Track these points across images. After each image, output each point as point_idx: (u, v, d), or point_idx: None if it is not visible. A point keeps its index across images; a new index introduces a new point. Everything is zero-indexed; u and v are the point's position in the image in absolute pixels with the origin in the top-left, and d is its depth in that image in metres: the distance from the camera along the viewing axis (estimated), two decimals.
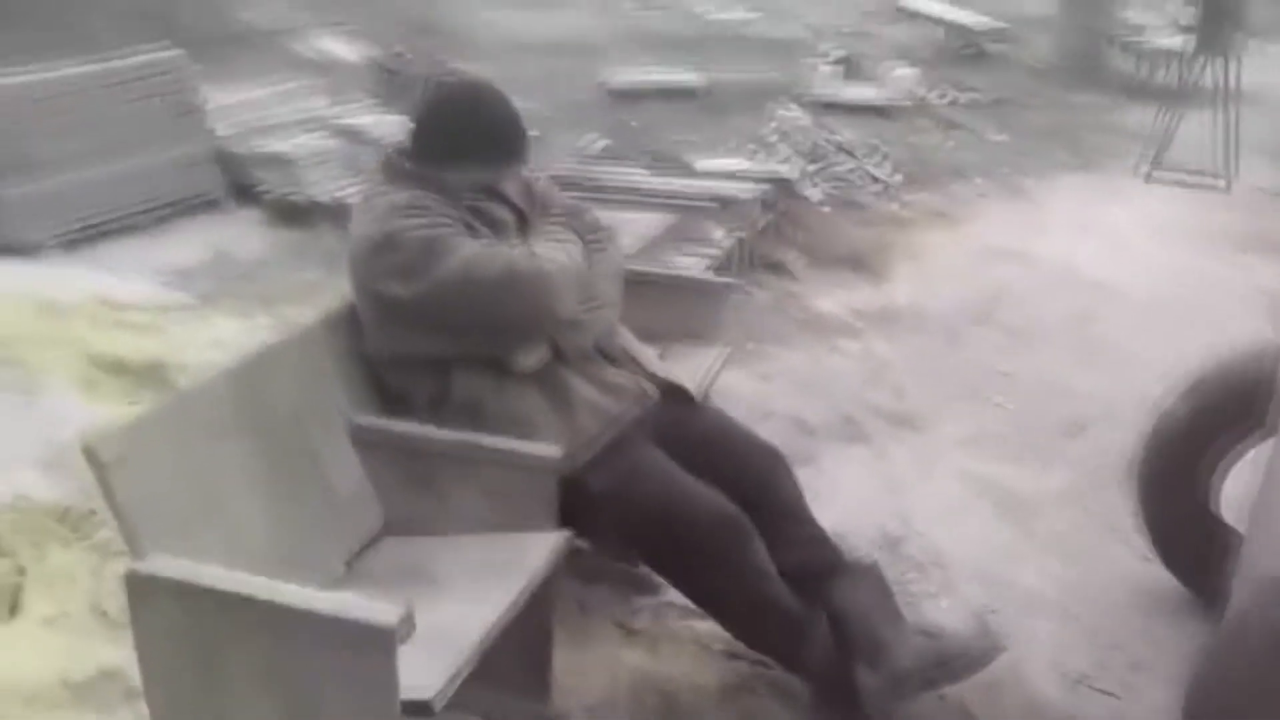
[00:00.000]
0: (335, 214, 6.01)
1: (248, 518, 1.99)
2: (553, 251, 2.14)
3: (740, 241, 5.24)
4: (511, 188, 2.28)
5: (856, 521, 3.20)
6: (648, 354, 2.40)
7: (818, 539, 2.38)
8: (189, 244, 5.73)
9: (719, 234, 5.21)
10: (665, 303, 3.13)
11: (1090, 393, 3.95)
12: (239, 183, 6.61)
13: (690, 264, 4.73)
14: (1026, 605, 2.83)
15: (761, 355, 4.31)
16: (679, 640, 2.61)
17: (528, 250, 2.12)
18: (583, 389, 2.16)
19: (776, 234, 5.69)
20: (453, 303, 2.06)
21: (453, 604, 2.00)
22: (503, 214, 2.23)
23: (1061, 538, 3.15)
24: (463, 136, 2.18)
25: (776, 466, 2.42)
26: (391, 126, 6.71)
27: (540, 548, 2.12)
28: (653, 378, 2.32)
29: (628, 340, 2.36)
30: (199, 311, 4.59)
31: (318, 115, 7.05)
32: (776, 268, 5.32)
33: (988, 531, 3.18)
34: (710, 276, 3.57)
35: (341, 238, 6.22)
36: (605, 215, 4.98)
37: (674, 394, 2.39)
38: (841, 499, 3.35)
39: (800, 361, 4.28)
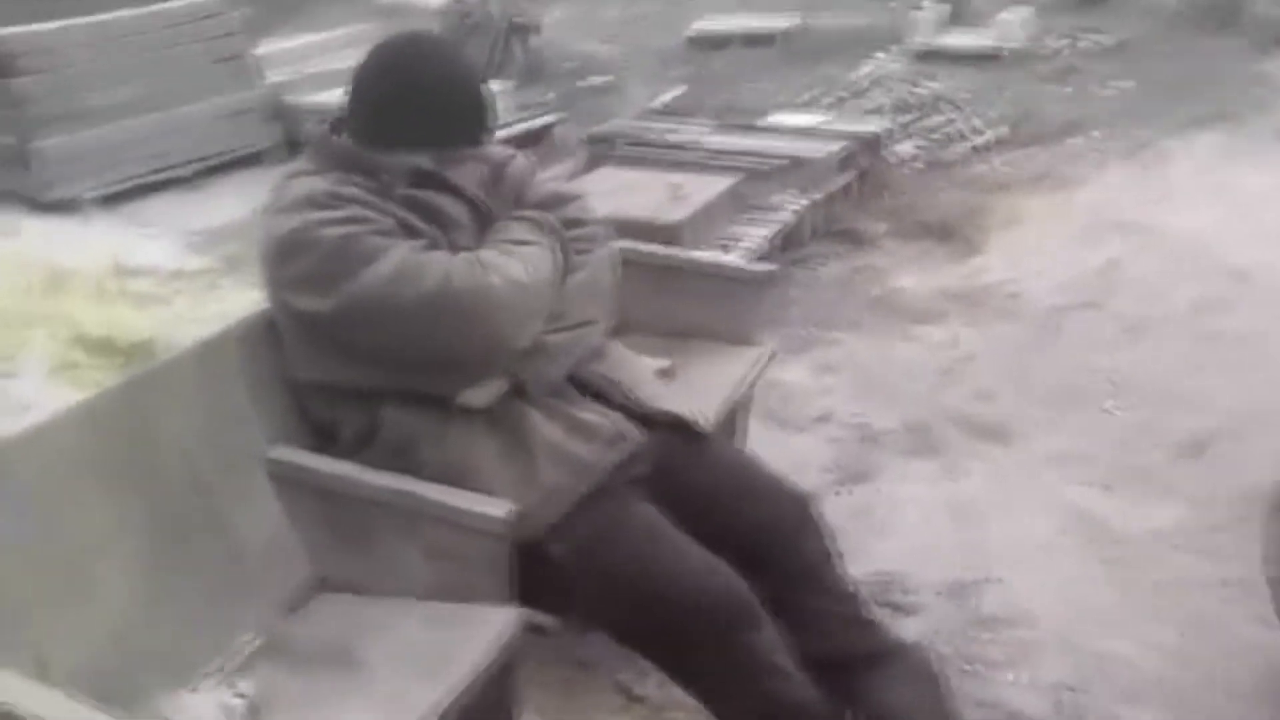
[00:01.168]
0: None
1: (116, 592, 1.60)
2: (505, 260, 1.66)
3: (812, 206, 4.68)
4: (468, 174, 1.79)
5: (918, 559, 2.69)
6: (642, 376, 1.91)
7: (850, 615, 1.89)
8: (228, 201, 5.42)
9: (788, 198, 4.66)
10: (691, 297, 2.64)
11: (1217, 402, 3.31)
12: (292, 136, 6.28)
13: (749, 235, 4.20)
14: (1122, 686, 2.29)
15: (824, 342, 3.77)
16: (688, 711, 2.16)
17: (472, 258, 1.66)
18: (546, 430, 1.70)
19: (857, 197, 5.09)
20: (370, 325, 1.61)
21: (374, 701, 1.60)
22: (452, 208, 1.74)
23: (1171, 594, 2.57)
24: (399, 107, 1.72)
25: (804, 521, 1.93)
26: None
27: (488, 628, 1.69)
28: (644, 410, 1.84)
29: (618, 360, 1.89)
30: (214, 280, 4.26)
31: None
32: (852, 237, 4.74)
33: (1079, 581, 2.63)
34: (744, 264, 3.03)
35: None
36: (660, 178, 4.56)
37: (676, 428, 1.91)
38: (902, 528, 2.84)
39: (869, 351, 3.73)
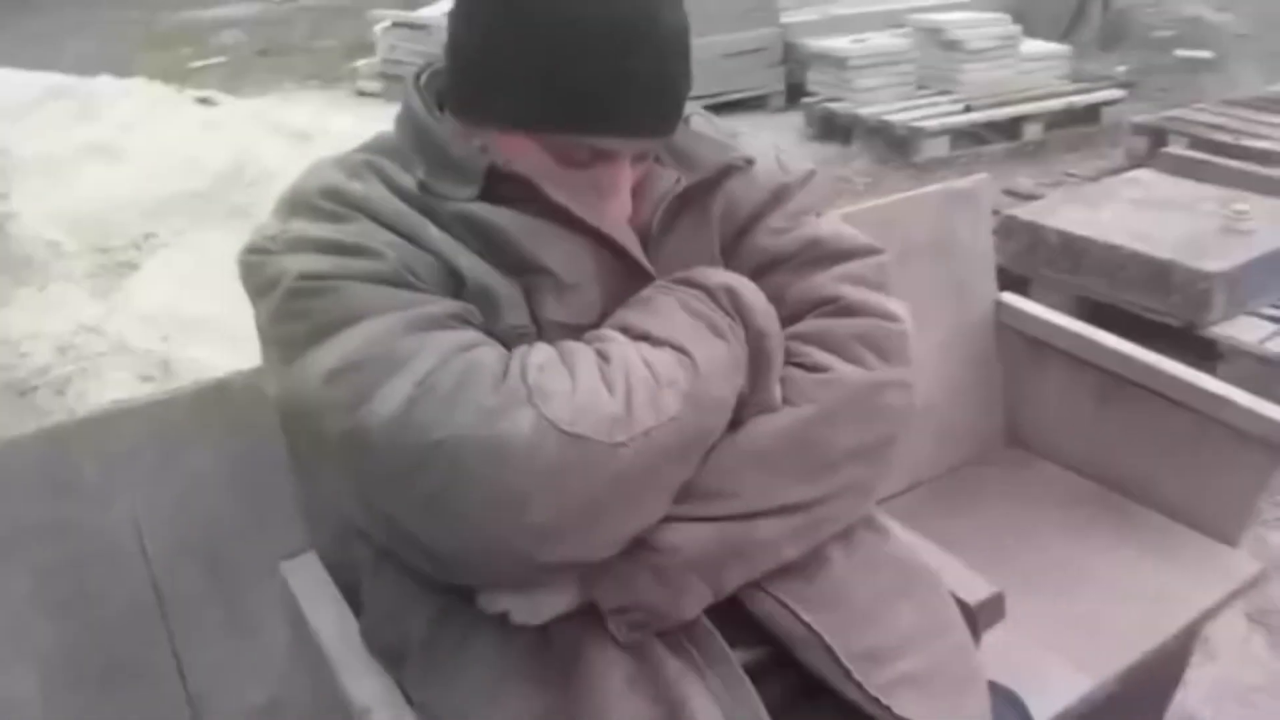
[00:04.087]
0: (880, 136, 4.80)
1: None
2: (582, 378, 0.82)
3: None
4: (608, 190, 0.94)
5: None
6: (895, 626, 0.98)
7: None
8: None
9: None
10: (1164, 438, 1.55)
11: None
12: (797, 81, 5.66)
13: None
14: None
15: None
16: None
17: (512, 364, 0.83)
18: (611, 696, 0.87)
19: None
20: (307, 438, 0.89)
21: None
22: (552, 251, 0.91)
23: None
24: (501, 48, 0.94)
25: None
26: (985, 26, 5.19)
27: None
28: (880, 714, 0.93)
29: (847, 582, 0.97)
30: None
31: (911, 8, 5.75)
32: None
33: None
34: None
35: (873, 173, 5.07)
36: (1218, 199, 3.15)
37: None
38: None
39: None
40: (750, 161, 1.02)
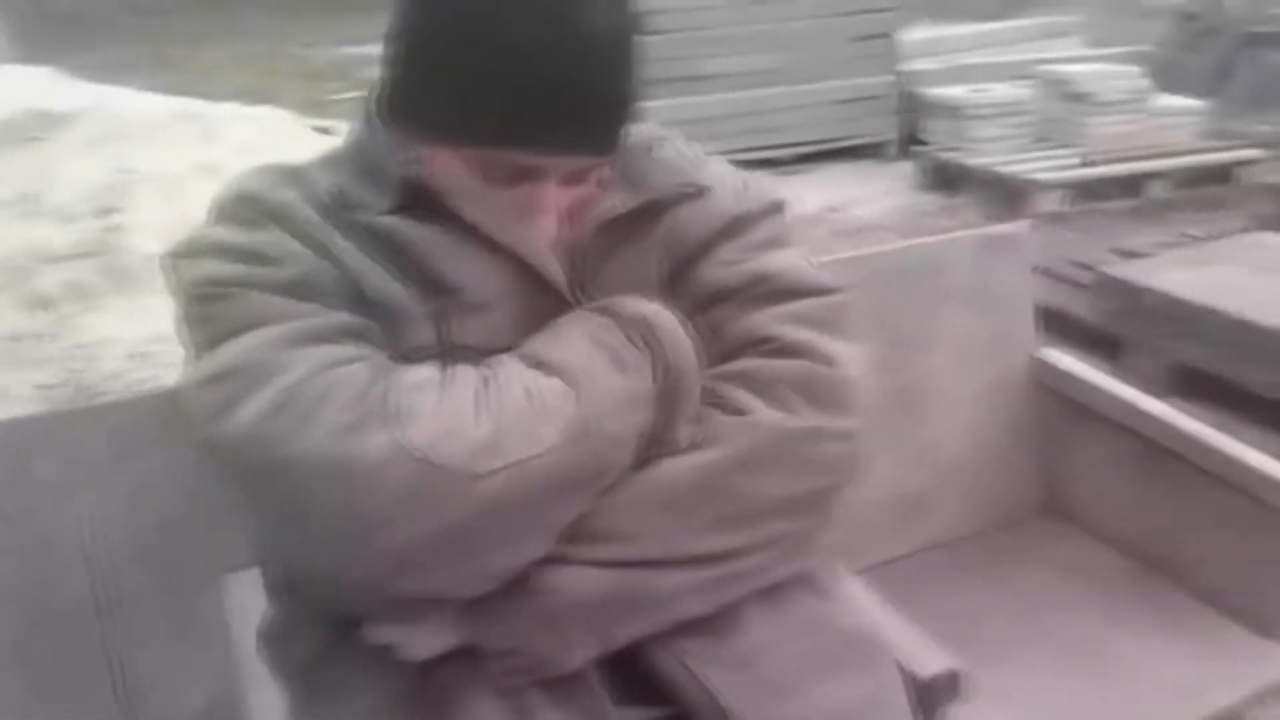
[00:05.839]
0: (992, 189, 4.64)
1: None
2: (453, 400, 0.79)
3: None
4: (530, 207, 0.88)
5: None
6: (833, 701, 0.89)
7: None
8: (808, 193, 4.87)
9: None
10: (1213, 522, 1.41)
11: None
12: (911, 130, 5.54)
13: None
14: None
15: None
16: None
17: (420, 379, 0.80)
18: None
19: None
20: (209, 455, 0.86)
21: None
22: (469, 272, 0.87)
23: None
24: (431, 50, 0.84)
25: None
26: (1115, 79, 4.98)
27: None
28: None
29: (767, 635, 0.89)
30: None
31: (1039, 59, 5.57)
32: None
33: None
34: None
35: (989, 222, 4.86)
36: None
37: None
38: None
39: None
40: (700, 189, 0.97)
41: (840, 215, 4.74)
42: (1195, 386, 2.73)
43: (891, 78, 5.62)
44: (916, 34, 5.97)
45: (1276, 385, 2.56)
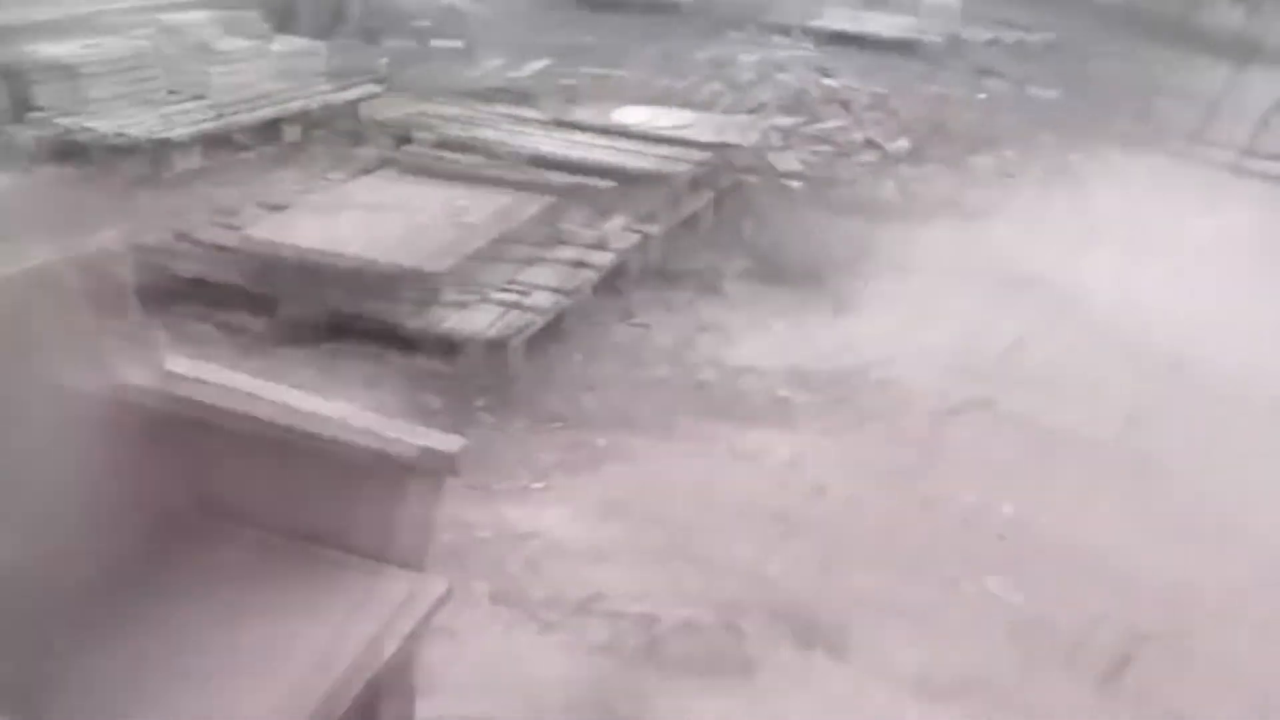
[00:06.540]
0: (125, 154, 4.38)
1: None
2: None
3: (646, 240, 3.61)
4: None
5: None
6: None
7: None
8: None
9: (615, 227, 3.58)
10: (312, 483, 1.55)
11: (1160, 577, 2.35)
12: (23, 98, 4.95)
13: (545, 283, 3.11)
14: None
15: (618, 456, 2.71)
16: None
17: None
18: None
19: (711, 227, 4.05)
20: None
21: None
22: None
23: None
24: None
25: None
26: (234, 26, 5.00)
27: None
28: None
29: None
30: None
31: (150, 6, 5.36)
32: (697, 280, 3.70)
33: None
34: (392, 436, 1.56)
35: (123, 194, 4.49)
36: (444, 196, 3.33)
37: None
38: None
39: (678, 474, 2.68)
40: None
41: None
42: (348, 328, 2.98)
43: None
44: None
45: (408, 317, 2.90)
